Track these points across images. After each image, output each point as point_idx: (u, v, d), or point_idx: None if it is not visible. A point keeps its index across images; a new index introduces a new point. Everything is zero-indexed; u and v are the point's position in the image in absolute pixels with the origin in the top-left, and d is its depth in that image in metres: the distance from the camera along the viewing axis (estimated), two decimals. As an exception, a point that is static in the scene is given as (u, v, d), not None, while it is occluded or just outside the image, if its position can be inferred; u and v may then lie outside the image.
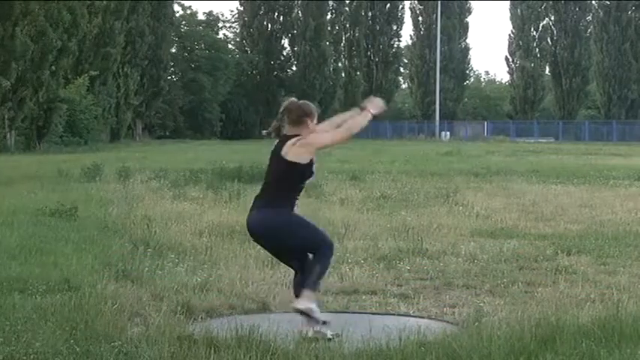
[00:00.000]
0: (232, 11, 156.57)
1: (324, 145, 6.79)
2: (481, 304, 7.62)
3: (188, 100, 78.46)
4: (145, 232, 11.15)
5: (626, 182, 22.27)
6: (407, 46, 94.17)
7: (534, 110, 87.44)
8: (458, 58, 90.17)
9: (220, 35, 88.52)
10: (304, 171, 6.61)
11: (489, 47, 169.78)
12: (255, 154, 26.86)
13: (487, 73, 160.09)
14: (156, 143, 63.55)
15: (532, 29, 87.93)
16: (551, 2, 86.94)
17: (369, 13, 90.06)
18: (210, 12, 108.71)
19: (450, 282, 8.72)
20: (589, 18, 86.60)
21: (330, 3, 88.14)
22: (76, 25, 49.67)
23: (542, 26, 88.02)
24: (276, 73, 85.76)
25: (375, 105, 6.89)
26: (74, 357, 5.63)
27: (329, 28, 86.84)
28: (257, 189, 6.90)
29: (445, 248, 10.66)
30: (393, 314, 7.44)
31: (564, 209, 15.44)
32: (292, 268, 6.87)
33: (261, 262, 9.32)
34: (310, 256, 6.69)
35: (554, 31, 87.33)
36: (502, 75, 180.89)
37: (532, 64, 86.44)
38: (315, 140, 6.66)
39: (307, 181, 6.73)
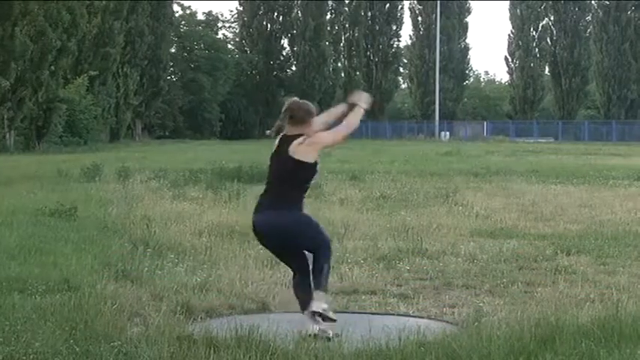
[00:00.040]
0: (232, 11, 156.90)
1: (331, 143, 6.83)
2: (481, 304, 7.63)
3: (188, 100, 78.46)
4: (144, 232, 11.15)
5: (626, 182, 22.27)
6: (406, 46, 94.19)
7: (534, 110, 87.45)
8: (457, 58, 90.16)
9: (220, 35, 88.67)
10: (310, 170, 6.64)
11: (489, 47, 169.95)
12: (255, 154, 26.88)
13: (487, 73, 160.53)
14: (155, 143, 63.55)
15: (532, 29, 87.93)
16: (550, 2, 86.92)
17: (369, 13, 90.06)
18: (210, 12, 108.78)
19: (450, 282, 8.72)
20: (588, 18, 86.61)
21: (330, 3, 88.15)
22: (75, 25, 49.66)
23: (542, 26, 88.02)
24: (275, 73, 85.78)
25: (364, 99, 6.94)
26: (74, 357, 5.63)
27: (328, 28, 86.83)
28: (256, 189, 6.91)
29: (445, 248, 10.66)
30: (393, 314, 7.44)
31: (564, 209, 15.44)
32: (291, 268, 6.87)
33: (261, 262, 9.32)
34: (308, 254, 6.71)
35: (554, 31, 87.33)
36: (502, 75, 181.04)
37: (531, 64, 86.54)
38: (322, 139, 6.70)
39: (312, 181, 6.76)
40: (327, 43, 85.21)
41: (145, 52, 67.01)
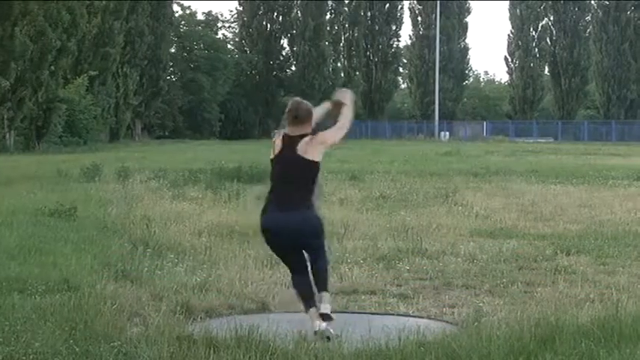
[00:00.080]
0: (231, 11, 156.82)
1: (335, 142, 6.87)
2: (480, 304, 7.63)
3: (187, 100, 78.44)
4: (144, 232, 11.15)
5: (625, 182, 22.28)
6: (406, 46, 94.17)
7: (533, 110, 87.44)
8: (457, 58, 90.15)
9: (219, 35, 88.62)
10: (318, 169, 6.69)
11: (488, 47, 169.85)
12: (254, 154, 26.88)
13: (486, 73, 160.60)
14: (155, 143, 63.53)
15: (531, 29, 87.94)
16: (550, 2, 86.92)
17: (368, 13, 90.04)
18: (210, 12, 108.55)
19: (450, 282, 8.72)
20: (588, 18, 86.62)
21: (330, 3, 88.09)
22: (75, 25, 49.66)
23: (542, 26, 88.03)
24: (275, 73, 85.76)
25: (349, 97, 7.01)
26: (73, 357, 5.63)
27: (328, 28, 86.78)
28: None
29: (444, 248, 10.66)
30: (393, 314, 7.45)
31: (563, 209, 15.45)
32: (292, 267, 6.87)
33: (261, 262, 9.33)
34: (306, 255, 6.74)
35: (554, 31, 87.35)
36: (501, 75, 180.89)
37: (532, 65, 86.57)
38: (328, 138, 6.73)
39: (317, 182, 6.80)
40: (326, 43, 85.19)
41: (145, 52, 67.01)
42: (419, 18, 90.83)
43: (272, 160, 6.77)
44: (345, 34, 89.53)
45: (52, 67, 48.13)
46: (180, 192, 17.64)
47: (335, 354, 5.75)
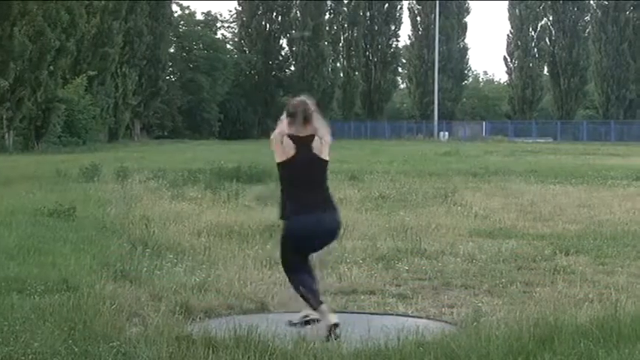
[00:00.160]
0: (231, 11, 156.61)
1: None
2: (479, 304, 7.63)
3: (186, 100, 78.42)
4: (143, 232, 11.15)
5: (625, 182, 22.29)
6: (405, 46, 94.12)
7: (532, 110, 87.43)
8: (456, 58, 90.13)
9: (219, 35, 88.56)
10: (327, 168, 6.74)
11: (488, 47, 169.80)
12: (254, 154, 26.89)
13: (485, 73, 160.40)
14: (154, 143, 63.51)
15: (530, 29, 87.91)
16: (549, 2, 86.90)
17: (368, 13, 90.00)
18: (209, 12, 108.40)
19: (449, 282, 8.72)
20: (587, 18, 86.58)
21: (329, 3, 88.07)
22: (74, 25, 49.63)
23: (541, 26, 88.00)
24: (274, 73, 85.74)
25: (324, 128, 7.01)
26: (73, 357, 5.63)
27: (327, 28, 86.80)
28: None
29: (443, 248, 10.66)
30: (392, 314, 7.45)
31: (562, 209, 15.45)
32: (301, 268, 6.75)
33: (260, 262, 9.33)
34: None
35: (553, 31, 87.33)
36: (500, 75, 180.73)
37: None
38: (329, 139, 6.74)
39: None
40: (325, 43, 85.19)
41: (144, 52, 66.98)
42: (418, 18, 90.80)
43: (282, 164, 6.58)
44: (344, 34, 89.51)
45: (51, 67, 48.10)
46: (179, 192, 17.63)
47: (334, 354, 5.75)
